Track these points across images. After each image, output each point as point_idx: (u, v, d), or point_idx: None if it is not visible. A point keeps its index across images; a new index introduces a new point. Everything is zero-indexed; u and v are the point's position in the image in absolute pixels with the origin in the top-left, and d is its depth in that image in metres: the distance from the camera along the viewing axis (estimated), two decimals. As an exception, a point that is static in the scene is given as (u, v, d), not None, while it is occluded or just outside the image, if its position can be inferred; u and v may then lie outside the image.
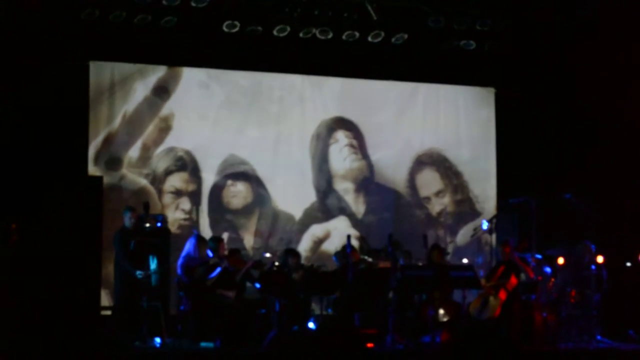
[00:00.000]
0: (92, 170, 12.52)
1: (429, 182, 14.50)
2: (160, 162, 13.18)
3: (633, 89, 12.47)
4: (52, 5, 11.30)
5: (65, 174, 10.98)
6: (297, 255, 11.85)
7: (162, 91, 13.18)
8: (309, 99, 14.03)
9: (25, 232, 9.18)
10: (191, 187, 13.36)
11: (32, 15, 11.15)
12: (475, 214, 14.27)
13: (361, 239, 12.11)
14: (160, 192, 13.18)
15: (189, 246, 10.95)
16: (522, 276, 11.11)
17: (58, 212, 9.33)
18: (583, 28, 12.50)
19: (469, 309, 10.86)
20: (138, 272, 10.47)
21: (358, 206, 14.21)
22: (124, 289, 10.62)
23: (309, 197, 13.98)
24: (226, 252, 11.31)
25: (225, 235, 12.72)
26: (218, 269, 10.81)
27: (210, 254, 11.12)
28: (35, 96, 11.36)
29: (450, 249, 13.95)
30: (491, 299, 10.87)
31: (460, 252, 14.15)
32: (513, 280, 10.88)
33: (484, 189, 14.48)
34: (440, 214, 14.36)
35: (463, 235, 14.34)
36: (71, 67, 12.01)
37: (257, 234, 13.52)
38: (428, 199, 14.44)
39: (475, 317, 10.81)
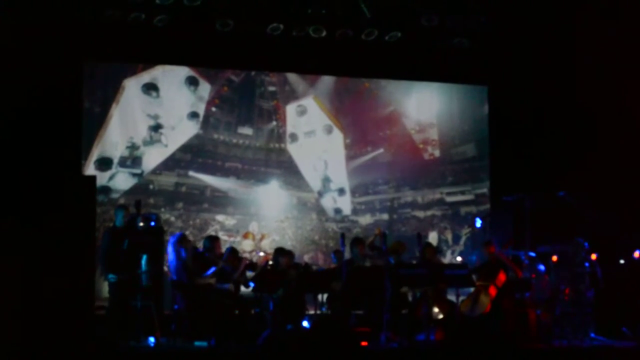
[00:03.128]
0: (85, 169, 13.49)
1: (425, 181, 15.40)
2: (151, 161, 14.11)
3: (628, 86, 13.40)
4: (46, 5, 12.32)
5: (59, 174, 11.75)
6: (290, 254, 12.68)
7: (153, 89, 14.14)
8: (302, 96, 14.99)
9: (17, 231, 9.71)
10: (182, 187, 14.31)
11: (26, 15, 12.14)
12: (469, 211, 15.19)
13: (380, 233, 12.70)
14: (150, 191, 14.10)
15: (174, 251, 11.64)
16: (511, 274, 12.13)
17: (51, 212, 9.88)
18: (578, 25, 13.40)
19: (460, 308, 11.85)
20: (111, 276, 11.34)
21: (354, 206, 15.12)
22: (118, 288, 11.41)
23: (304, 197, 14.91)
24: (222, 251, 12.19)
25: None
26: (212, 269, 11.70)
27: (198, 250, 12.03)
28: (29, 96, 12.29)
29: (455, 253, 14.92)
30: (481, 296, 11.89)
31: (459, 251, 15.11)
32: (502, 276, 11.93)
33: (478, 186, 15.34)
34: (436, 214, 15.28)
35: (459, 234, 15.28)
36: (65, 67, 12.90)
37: (250, 235, 14.48)
38: (425, 198, 15.34)
39: (467, 315, 11.83)
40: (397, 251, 12.50)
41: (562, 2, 13.20)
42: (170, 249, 11.78)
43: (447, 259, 14.87)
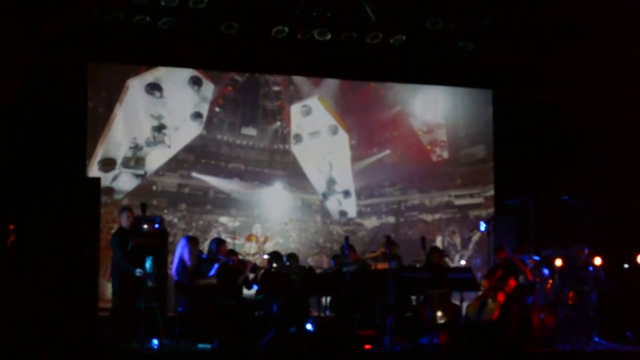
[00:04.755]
0: (89, 170, 14.23)
1: (433, 183, 16.03)
2: (154, 161, 14.80)
3: (631, 90, 14.16)
4: (51, 6, 13.06)
5: (64, 175, 12.53)
6: (295, 257, 13.62)
7: (156, 89, 14.86)
8: (307, 96, 15.66)
9: (23, 233, 10.52)
10: (185, 188, 14.98)
11: (31, 16, 12.86)
12: (478, 215, 15.79)
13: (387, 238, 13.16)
14: (154, 192, 14.78)
15: (180, 250, 12.42)
16: (521, 278, 12.85)
17: (56, 214, 10.57)
18: (581, 29, 14.12)
19: (467, 311, 12.60)
20: (138, 270, 11.93)
21: (359, 209, 15.73)
22: (122, 290, 12.07)
23: (308, 199, 15.55)
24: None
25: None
26: (215, 266, 12.40)
27: (203, 255, 12.72)
28: (34, 97, 13.12)
29: (464, 258, 15.55)
30: (489, 301, 12.57)
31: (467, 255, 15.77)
32: (512, 282, 12.61)
33: (488, 189, 15.97)
34: (444, 218, 15.90)
35: (463, 237, 15.92)
36: (69, 68, 13.80)
37: (253, 237, 15.19)
38: (432, 200, 15.97)
39: (473, 319, 12.51)
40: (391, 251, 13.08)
41: (566, 5, 13.78)
42: (177, 248, 12.52)
43: (455, 264, 15.41)
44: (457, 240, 16.04)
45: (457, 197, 16.10)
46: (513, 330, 12.37)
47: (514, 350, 11.65)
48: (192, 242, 12.52)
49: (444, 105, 16.20)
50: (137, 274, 12.07)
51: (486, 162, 16.09)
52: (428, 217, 15.99)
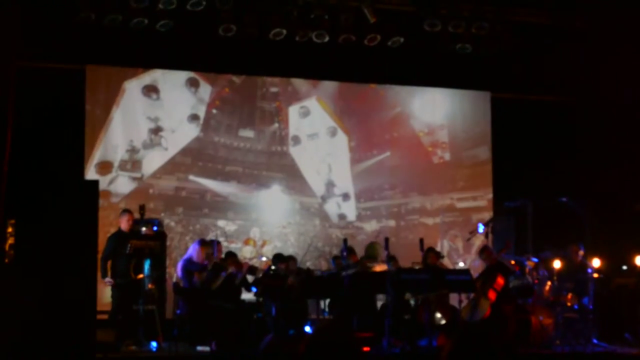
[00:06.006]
0: (85, 173, 14.76)
1: (434, 185, 16.52)
2: (151, 164, 15.32)
3: (629, 91, 14.73)
4: (49, 9, 13.74)
5: (62, 178, 12.89)
6: (293, 259, 14.21)
7: (153, 91, 15.41)
8: (305, 97, 16.16)
9: (21, 235, 10.80)
10: (182, 191, 15.49)
11: (29, 18, 13.39)
12: (481, 218, 15.89)
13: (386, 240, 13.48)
14: (150, 195, 15.28)
15: (191, 250, 13.07)
16: (516, 281, 13.48)
17: (54, 217, 10.81)
18: (579, 30, 14.79)
19: (461, 313, 13.14)
20: (107, 279, 12.62)
21: (359, 212, 16.17)
22: (121, 293, 12.71)
23: (306, 202, 16.04)
24: (222, 256, 13.58)
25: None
26: (222, 275, 12.97)
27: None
28: (32, 100, 13.66)
29: (467, 262, 15.97)
30: (481, 300, 13.13)
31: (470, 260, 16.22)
32: (500, 280, 13.18)
33: (485, 192, 16.50)
34: (446, 221, 16.31)
35: (462, 240, 16.40)
36: (67, 71, 14.49)
37: (251, 241, 15.67)
38: (434, 203, 16.44)
39: (468, 320, 13.04)
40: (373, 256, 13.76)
41: (563, 6, 14.50)
42: (191, 249, 13.18)
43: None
44: (460, 244, 16.47)
45: (459, 200, 16.54)
46: (507, 328, 12.84)
47: (512, 352, 12.04)
48: (205, 243, 13.19)
49: (445, 106, 16.68)
50: (106, 282, 12.74)
51: (489, 164, 16.54)
52: (429, 221, 16.43)
